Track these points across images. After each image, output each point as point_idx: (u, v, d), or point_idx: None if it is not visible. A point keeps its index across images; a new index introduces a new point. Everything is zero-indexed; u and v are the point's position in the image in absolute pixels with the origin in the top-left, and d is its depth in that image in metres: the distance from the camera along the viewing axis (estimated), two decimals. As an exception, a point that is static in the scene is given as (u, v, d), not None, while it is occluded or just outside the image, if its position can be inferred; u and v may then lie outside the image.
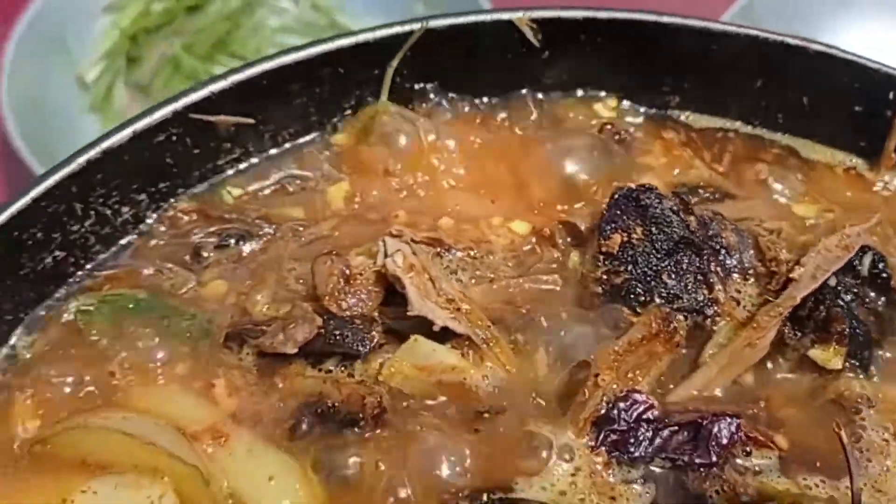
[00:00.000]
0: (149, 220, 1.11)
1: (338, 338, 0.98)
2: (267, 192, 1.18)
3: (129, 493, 0.88)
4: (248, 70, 1.10)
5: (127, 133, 1.04)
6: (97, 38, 2.31)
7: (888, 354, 1.05)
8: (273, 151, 1.19)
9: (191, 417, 0.96)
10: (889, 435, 0.98)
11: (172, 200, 1.14)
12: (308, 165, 1.19)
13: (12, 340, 1.01)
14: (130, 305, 1.03)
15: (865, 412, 1.00)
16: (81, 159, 1.01)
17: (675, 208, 1.06)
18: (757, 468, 0.96)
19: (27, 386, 0.97)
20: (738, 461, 0.95)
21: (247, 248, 1.11)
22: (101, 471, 0.90)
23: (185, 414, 0.96)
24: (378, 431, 0.95)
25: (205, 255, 1.10)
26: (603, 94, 1.26)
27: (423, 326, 0.99)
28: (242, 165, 1.18)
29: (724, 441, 0.95)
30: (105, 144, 1.03)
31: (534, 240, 1.12)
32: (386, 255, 1.02)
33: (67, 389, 0.97)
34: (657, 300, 1.03)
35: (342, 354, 1.00)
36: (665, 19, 1.19)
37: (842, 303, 1.03)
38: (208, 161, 1.15)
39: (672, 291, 1.03)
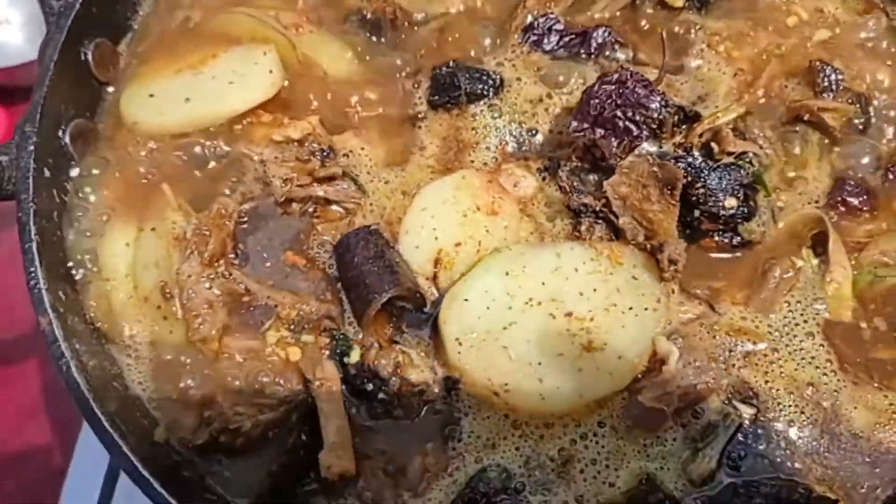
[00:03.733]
0: None
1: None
2: None
3: (251, 51, 1.55)
4: None
5: None
6: None
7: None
8: None
9: (282, 17, 1.62)
10: (704, 46, 1.61)
11: None
12: None
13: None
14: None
15: (695, 33, 1.62)
16: None
17: None
18: (619, 60, 1.60)
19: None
20: (607, 53, 1.59)
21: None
22: (235, 42, 1.58)
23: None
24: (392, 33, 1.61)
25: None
26: None
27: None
28: None
29: (600, 40, 1.59)
30: None
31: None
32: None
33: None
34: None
35: (371, -12, 1.65)
36: None
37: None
38: None
39: (582, -47, 1.64)
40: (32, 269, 1.26)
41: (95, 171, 1.45)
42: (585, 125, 1.42)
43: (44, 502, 1.96)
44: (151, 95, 1.50)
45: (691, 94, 1.57)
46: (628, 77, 1.43)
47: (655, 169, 1.36)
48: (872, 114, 1.56)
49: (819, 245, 1.45)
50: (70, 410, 2.06)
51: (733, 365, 1.35)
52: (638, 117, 1.41)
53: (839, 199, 1.49)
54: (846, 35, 1.64)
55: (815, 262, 1.44)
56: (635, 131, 1.41)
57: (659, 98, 1.42)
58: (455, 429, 1.30)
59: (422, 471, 1.27)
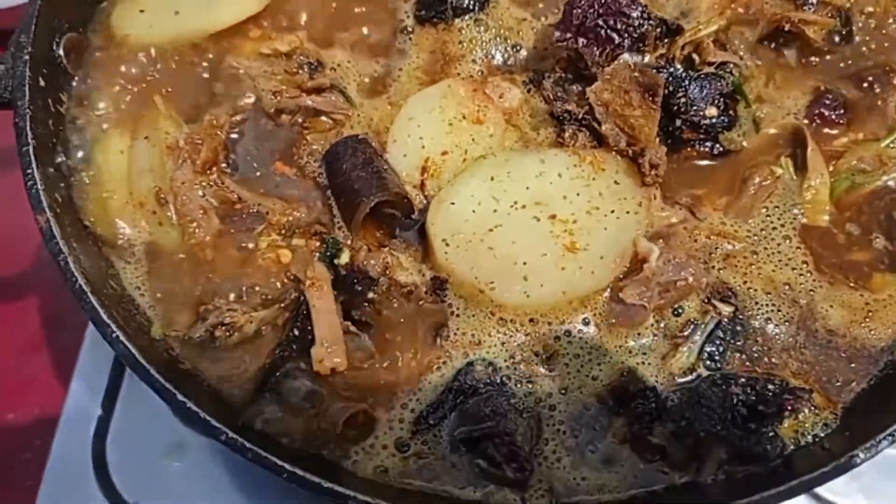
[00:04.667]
0: None
1: None
2: None
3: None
4: None
5: None
6: None
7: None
8: None
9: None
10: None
11: None
12: None
13: None
14: None
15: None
16: None
17: None
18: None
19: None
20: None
21: None
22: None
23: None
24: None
25: None
26: None
27: None
28: None
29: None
30: None
31: None
32: None
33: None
34: None
35: None
36: None
37: None
38: None
39: None
40: (29, 171, 1.29)
41: (89, 83, 1.47)
42: (568, 35, 1.45)
43: (42, 434, 2.01)
44: (142, 11, 1.52)
45: (674, 11, 1.60)
46: (610, -13, 1.46)
47: (637, 74, 1.39)
48: (853, 27, 1.59)
49: (798, 154, 1.48)
50: (69, 345, 2.12)
51: (713, 266, 1.39)
52: (619, 25, 1.43)
53: (817, 111, 1.52)
54: (829, -52, 1.66)
55: (793, 169, 1.47)
56: (617, 39, 1.44)
57: (640, 7, 1.44)
58: (443, 327, 1.34)
59: (411, 365, 1.31)
